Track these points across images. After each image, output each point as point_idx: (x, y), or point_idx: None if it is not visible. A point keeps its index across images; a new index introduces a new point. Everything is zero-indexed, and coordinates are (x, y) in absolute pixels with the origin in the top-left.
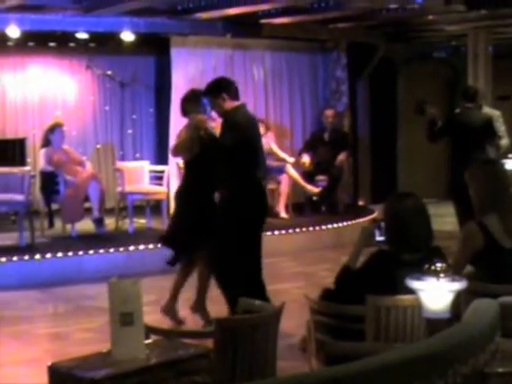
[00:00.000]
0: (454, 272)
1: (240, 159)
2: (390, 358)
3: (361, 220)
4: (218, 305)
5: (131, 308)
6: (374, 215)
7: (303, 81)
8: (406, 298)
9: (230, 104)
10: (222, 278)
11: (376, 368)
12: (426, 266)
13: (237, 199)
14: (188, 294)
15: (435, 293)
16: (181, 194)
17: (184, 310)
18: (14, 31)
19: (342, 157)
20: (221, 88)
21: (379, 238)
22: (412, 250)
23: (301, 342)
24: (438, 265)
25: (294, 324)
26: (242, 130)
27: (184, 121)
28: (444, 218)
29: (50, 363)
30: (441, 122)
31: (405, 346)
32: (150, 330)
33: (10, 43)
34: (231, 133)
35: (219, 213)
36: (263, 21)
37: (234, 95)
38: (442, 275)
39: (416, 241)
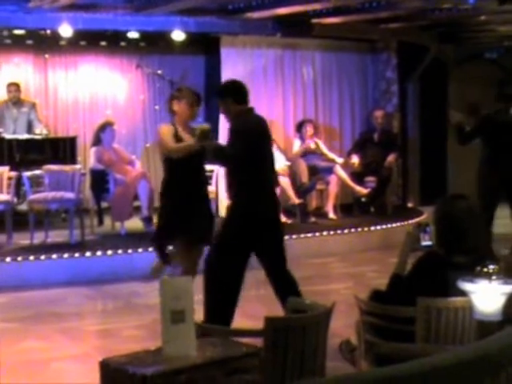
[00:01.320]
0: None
1: (247, 167)
2: (442, 360)
3: (409, 222)
4: (267, 305)
5: (182, 305)
6: (421, 218)
7: (353, 81)
8: (458, 299)
9: (236, 108)
10: (211, 283)
11: (427, 370)
12: (478, 268)
13: (244, 208)
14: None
15: (487, 295)
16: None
17: None
18: (66, 30)
19: (391, 158)
20: (227, 92)
21: (425, 243)
22: (464, 252)
23: (343, 343)
24: (491, 267)
25: (342, 324)
26: (248, 137)
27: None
28: (496, 220)
29: (100, 359)
30: (468, 127)
31: (456, 348)
32: (200, 328)
33: (62, 42)
34: (238, 141)
35: (225, 220)
36: (314, 20)
37: (242, 100)
38: (494, 277)
39: (468, 243)
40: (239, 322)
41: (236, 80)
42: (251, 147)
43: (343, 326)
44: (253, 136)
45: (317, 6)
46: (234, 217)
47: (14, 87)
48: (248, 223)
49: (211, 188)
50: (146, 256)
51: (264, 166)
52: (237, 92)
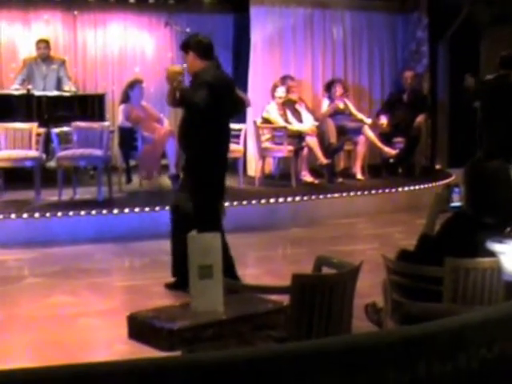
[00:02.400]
0: None
1: (207, 120)
2: (469, 319)
3: (437, 183)
4: (294, 264)
5: (210, 261)
6: (450, 179)
7: (382, 41)
8: (486, 260)
9: (198, 63)
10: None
11: (455, 328)
12: (508, 229)
13: (200, 161)
14: None
15: None
16: None
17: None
18: None
19: (420, 119)
20: (188, 45)
21: (454, 204)
22: (493, 213)
23: (368, 305)
24: None
25: (368, 284)
26: (209, 89)
27: (261, 77)
28: None
29: (128, 314)
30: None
31: (484, 308)
32: (228, 284)
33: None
34: (203, 91)
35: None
36: None
37: (204, 55)
38: None
39: (498, 204)
40: (266, 280)
41: (200, 34)
42: (214, 100)
43: (369, 286)
44: (216, 89)
45: None
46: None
47: (43, 44)
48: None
49: (238, 147)
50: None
51: (224, 122)
52: (199, 47)
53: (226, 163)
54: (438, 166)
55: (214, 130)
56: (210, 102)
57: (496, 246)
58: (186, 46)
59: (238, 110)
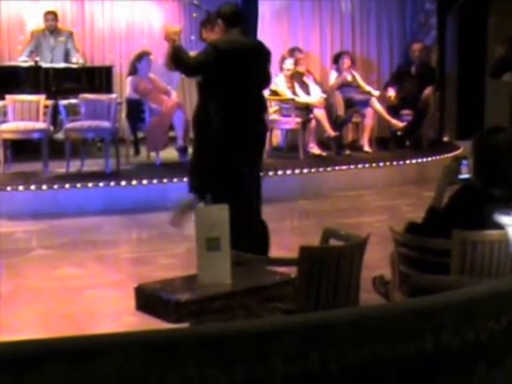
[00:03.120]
0: None
1: (218, 89)
2: (477, 291)
3: (445, 156)
4: (302, 236)
5: (218, 233)
6: (458, 152)
7: (391, 13)
8: (494, 232)
9: (223, 33)
10: None
11: (463, 300)
12: None
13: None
14: None
15: None
16: None
17: None
18: None
19: (428, 91)
20: (218, 15)
21: (462, 176)
22: (502, 185)
23: (376, 278)
24: None
25: (376, 257)
26: (212, 52)
27: (274, 51)
28: None
29: (136, 285)
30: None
31: (492, 280)
32: (235, 257)
33: None
34: (199, 54)
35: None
36: None
37: (230, 23)
38: None
39: (506, 175)
40: (274, 252)
41: (226, 3)
42: (220, 65)
43: (377, 259)
44: (225, 53)
45: None
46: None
47: (51, 16)
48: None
49: None
50: (181, 186)
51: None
52: (225, 15)
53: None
54: (445, 139)
55: (229, 102)
56: (210, 66)
57: (504, 219)
58: (216, 17)
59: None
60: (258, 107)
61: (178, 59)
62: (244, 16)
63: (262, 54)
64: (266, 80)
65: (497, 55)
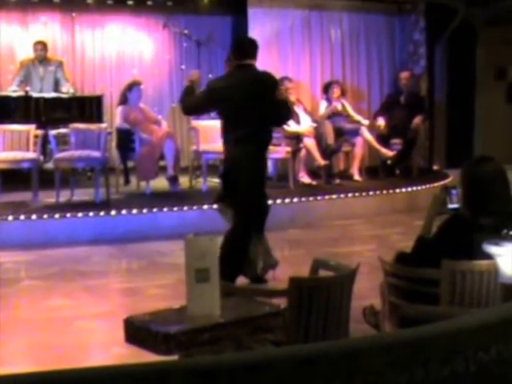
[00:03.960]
0: None
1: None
2: (466, 321)
3: (435, 184)
4: (292, 266)
5: (207, 264)
6: (447, 181)
7: (380, 43)
8: (483, 262)
9: (232, 64)
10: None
11: (452, 331)
12: (504, 231)
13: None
14: None
15: None
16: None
17: None
18: None
19: (417, 120)
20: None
21: (451, 206)
22: (490, 215)
23: (366, 308)
24: None
25: (366, 286)
26: (205, 91)
27: None
28: None
29: (125, 317)
30: None
31: (481, 310)
32: (224, 287)
33: (89, 1)
34: (200, 94)
35: None
36: None
37: (236, 56)
38: None
39: (494, 205)
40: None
41: (243, 36)
42: (208, 104)
43: (367, 288)
44: (217, 91)
45: None
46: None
47: (40, 45)
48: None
49: None
50: (171, 215)
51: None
52: (236, 48)
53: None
54: (435, 167)
55: (229, 135)
56: (203, 105)
57: (493, 248)
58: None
59: (278, 117)
60: (249, 139)
61: (180, 100)
62: (252, 47)
63: (259, 88)
64: (268, 112)
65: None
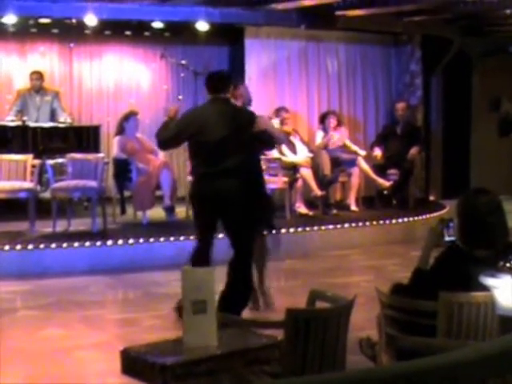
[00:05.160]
0: None
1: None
2: (464, 354)
3: (431, 215)
4: (288, 296)
5: (204, 296)
6: (443, 211)
7: (376, 73)
8: (480, 294)
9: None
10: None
11: (449, 364)
12: (501, 263)
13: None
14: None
15: (509, 290)
16: None
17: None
18: (91, 20)
19: (413, 151)
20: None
21: (448, 238)
22: (486, 247)
23: (362, 340)
24: None
25: (362, 317)
26: (176, 125)
27: (255, 109)
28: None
29: (121, 348)
30: None
31: (478, 343)
32: (221, 319)
33: (87, 31)
34: (172, 126)
35: None
36: (338, 12)
37: (210, 90)
38: None
39: (491, 237)
40: (260, 313)
41: (214, 71)
42: (182, 136)
43: (364, 319)
44: (184, 126)
45: None
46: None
47: (36, 75)
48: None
49: None
50: (168, 246)
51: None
52: (207, 82)
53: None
54: (431, 198)
55: (198, 167)
56: (177, 136)
57: (489, 280)
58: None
59: (260, 147)
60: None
61: (156, 134)
62: (221, 82)
63: (236, 121)
64: (237, 145)
65: (503, 113)
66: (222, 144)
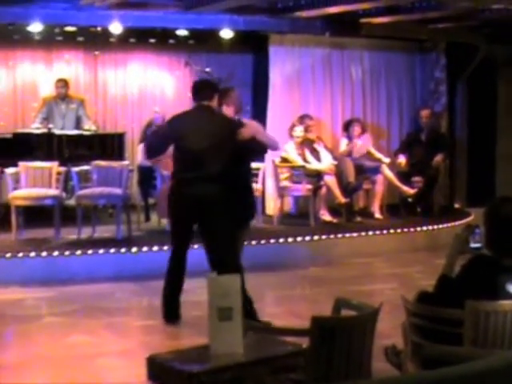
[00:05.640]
0: None
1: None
2: (490, 363)
3: (456, 223)
4: (312, 304)
5: (230, 303)
6: (468, 219)
7: (401, 81)
8: (507, 303)
9: None
10: None
11: (475, 373)
12: None
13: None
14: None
15: None
16: None
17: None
18: (116, 28)
19: (438, 158)
20: None
21: (474, 245)
22: None
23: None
24: None
25: (387, 325)
26: (163, 131)
27: (280, 117)
28: None
29: (146, 355)
30: None
31: (505, 352)
32: (247, 326)
33: (112, 39)
34: (157, 130)
35: None
36: (362, 20)
37: (193, 97)
38: None
39: None
40: (285, 320)
41: (199, 79)
42: (165, 141)
43: (388, 327)
44: (167, 131)
45: (366, 6)
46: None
47: (61, 83)
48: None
49: (257, 186)
50: (192, 252)
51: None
52: (191, 90)
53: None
54: (456, 206)
55: (179, 172)
56: (162, 141)
57: None
58: None
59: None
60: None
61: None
62: (205, 89)
63: (210, 130)
64: (218, 153)
65: None
66: (202, 151)
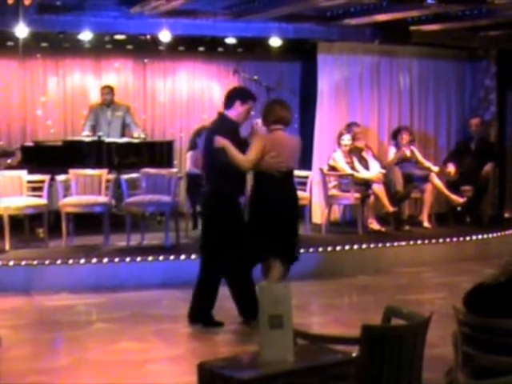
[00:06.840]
0: None
1: None
2: None
3: (506, 232)
4: (361, 312)
5: (281, 311)
6: None
7: (450, 89)
8: None
9: None
10: None
11: None
12: None
13: None
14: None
15: None
16: None
17: None
18: (165, 36)
19: (488, 167)
20: None
21: None
22: None
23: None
24: None
25: (437, 335)
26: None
27: (328, 125)
28: None
29: (195, 362)
30: None
31: None
32: (297, 334)
33: (161, 47)
34: None
35: None
36: (412, 27)
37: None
38: None
39: None
40: (333, 328)
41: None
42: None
43: (437, 337)
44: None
45: (416, 13)
46: None
47: (106, 89)
48: None
49: (305, 194)
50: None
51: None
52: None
53: None
54: (506, 215)
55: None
56: None
57: None
58: None
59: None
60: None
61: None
62: (228, 96)
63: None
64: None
65: None
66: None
